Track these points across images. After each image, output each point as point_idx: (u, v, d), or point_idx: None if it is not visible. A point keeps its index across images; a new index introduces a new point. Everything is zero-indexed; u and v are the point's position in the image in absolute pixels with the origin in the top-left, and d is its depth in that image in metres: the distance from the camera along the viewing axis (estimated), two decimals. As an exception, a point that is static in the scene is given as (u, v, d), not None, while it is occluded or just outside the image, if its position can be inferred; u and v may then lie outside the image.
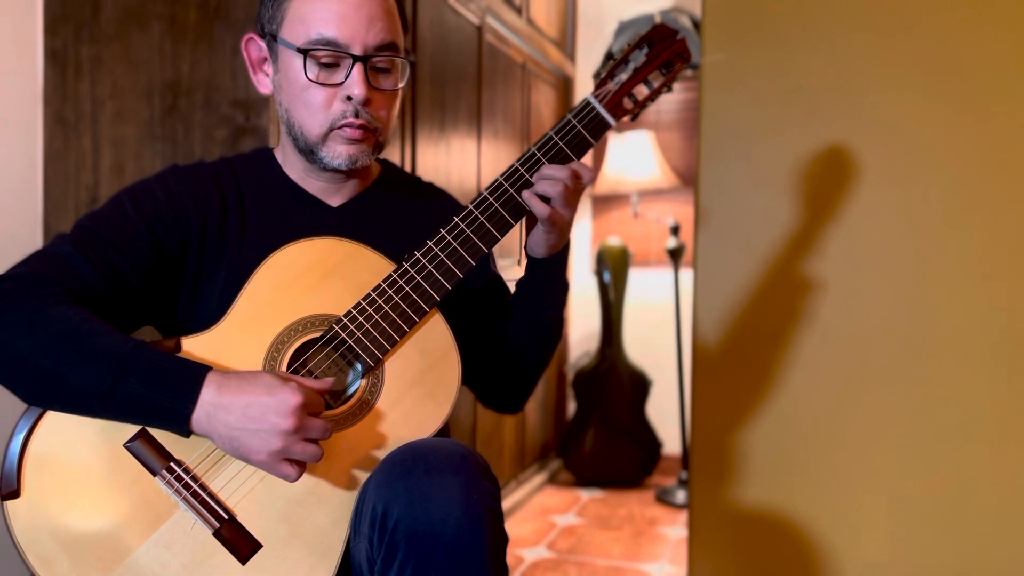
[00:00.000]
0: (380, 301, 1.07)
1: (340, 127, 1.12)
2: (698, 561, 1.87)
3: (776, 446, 1.80)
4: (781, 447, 1.80)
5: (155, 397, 0.97)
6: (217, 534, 1.00)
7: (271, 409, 0.96)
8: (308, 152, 1.15)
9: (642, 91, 1.19)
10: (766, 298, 1.80)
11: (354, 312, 1.07)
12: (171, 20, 1.84)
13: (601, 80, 1.18)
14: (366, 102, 1.11)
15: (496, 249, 1.18)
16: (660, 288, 3.53)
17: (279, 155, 1.23)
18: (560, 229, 1.14)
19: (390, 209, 1.24)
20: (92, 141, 1.90)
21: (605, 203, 3.67)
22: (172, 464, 1.00)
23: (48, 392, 0.99)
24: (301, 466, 0.99)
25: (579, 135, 1.14)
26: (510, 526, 2.84)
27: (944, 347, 1.70)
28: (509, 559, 1.03)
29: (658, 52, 1.19)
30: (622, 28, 3.54)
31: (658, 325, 3.50)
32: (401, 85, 1.16)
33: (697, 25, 3.31)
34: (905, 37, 1.71)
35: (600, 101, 1.16)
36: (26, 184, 1.90)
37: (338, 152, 1.13)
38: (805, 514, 1.79)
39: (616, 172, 3.42)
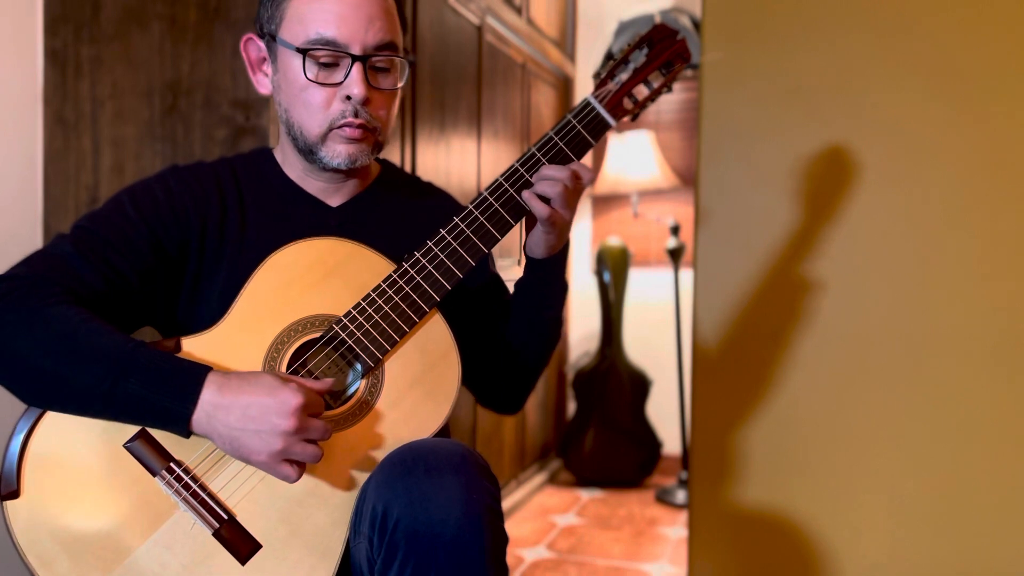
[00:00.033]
0: (380, 301, 1.07)
1: (339, 127, 1.12)
2: (698, 561, 1.87)
3: (776, 446, 1.80)
4: (781, 447, 1.80)
5: (155, 398, 0.97)
6: (217, 534, 1.00)
7: (272, 410, 0.96)
8: (307, 152, 1.15)
9: (642, 91, 1.19)
10: (766, 298, 1.80)
11: (354, 312, 1.07)
12: (171, 20, 1.84)
13: (601, 80, 1.18)
14: (365, 102, 1.11)
15: (496, 249, 1.18)
16: (660, 288, 3.53)
17: (278, 155, 1.23)
18: (560, 229, 1.14)
19: (390, 209, 1.24)
20: (92, 141, 1.90)
21: (605, 203, 3.67)
22: (172, 464, 1.00)
23: (48, 392, 0.99)
24: (301, 467, 0.99)
25: (579, 135, 1.14)
26: (510, 526, 2.84)
27: (944, 347, 1.70)
28: (509, 559, 1.03)
29: (658, 52, 1.19)
30: (622, 28, 3.54)
31: (658, 325, 3.50)
32: (400, 85, 1.16)
33: (697, 25, 3.31)
34: (905, 37, 1.71)
35: (600, 101, 1.16)
36: (26, 184, 1.90)
37: (338, 152, 1.13)
38: (805, 514, 1.79)
39: (616, 172, 3.42)
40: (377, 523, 0.95)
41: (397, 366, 1.07)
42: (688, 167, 3.51)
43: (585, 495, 3.31)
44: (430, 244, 1.10)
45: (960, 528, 1.69)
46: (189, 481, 1.00)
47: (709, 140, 1.84)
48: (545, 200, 1.11)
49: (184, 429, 0.98)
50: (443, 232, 1.10)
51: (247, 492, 1.01)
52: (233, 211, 1.17)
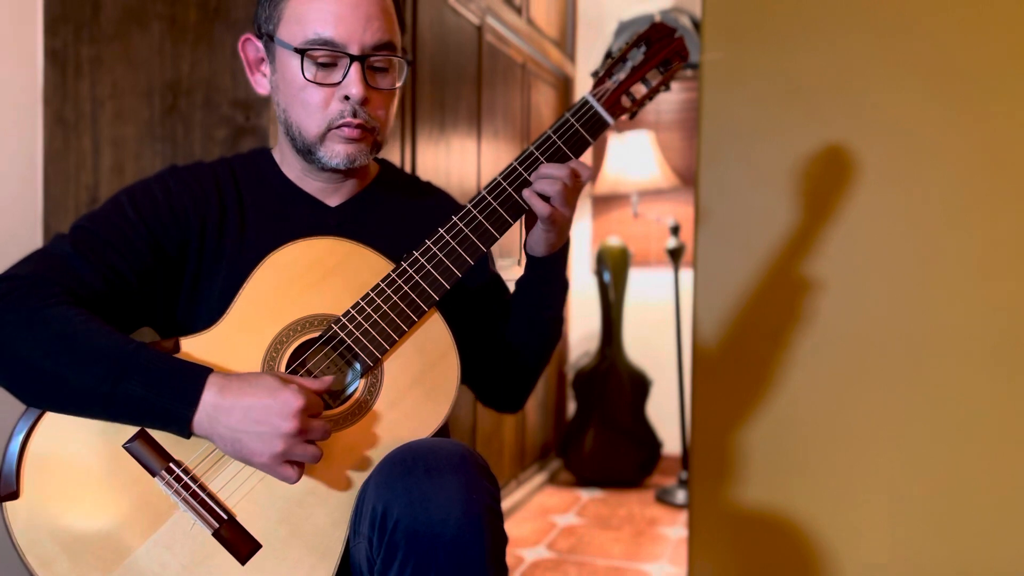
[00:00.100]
0: (379, 301, 1.07)
1: (338, 127, 1.12)
2: (698, 561, 1.87)
3: (776, 446, 1.80)
4: (781, 447, 1.80)
5: (156, 399, 0.97)
6: (216, 534, 1.00)
7: (273, 411, 0.96)
8: (306, 152, 1.15)
9: (640, 90, 1.19)
10: (766, 298, 1.80)
11: (353, 312, 1.06)
12: (171, 20, 1.84)
13: (599, 79, 1.18)
14: (364, 101, 1.11)
15: (496, 249, 1.18)
16: (660, 288, 3.53)
17: (277, 155, 1.23)
18: (560, 227, 1.15)
19: (389, 209, 1.24)
20: (92, 141, 1.90)
21: (605, 203, 3.67)
22: (171, 464, 1.00)
23: (48, 393, 0.98)
24: (301, 467, 0.99)
25: (577, 134, 1.14)
26: (510, 526, 2.84)
27: (944, 347, 1.70)
28: (509, 559, 1.03)
29: (656, 51, 1.19)
30: (622, 28, 3.54)
31: (658, 325, 3.50)
32: (399, 84, 1.16)
33: (697, 25, 3.31)
34: (905, 37, 1.71)
35: (598, 100, 1.16)
36: (26, 184, 1.90)
37: (336, 152, 1.13)
38: (805, 514, 1.79)
39: (616, 172, 3.42)
40: (377, 523, 0.95)
41: (396, 366, 1.07)
42: (688, 167, 3.50)
43: (585, 495, 3.31)
44: (429, 243, 1.10)
45: (960, 528, 1.69)
46: (189, 481, 1.00)
47: (709, 140, 1.84)
48: (545, 198, 1.11)
49: (185, 430, 0.98)
50: (442, 231, 1.10)
51: (247, 492, 1.01)
52: (232, 211, 1.17)
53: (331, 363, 1.08)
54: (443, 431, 1.12)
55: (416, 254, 1.09)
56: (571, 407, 3.69)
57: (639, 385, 3.40)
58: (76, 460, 1.00)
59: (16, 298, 1.00)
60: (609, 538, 2.80)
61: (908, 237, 1.72)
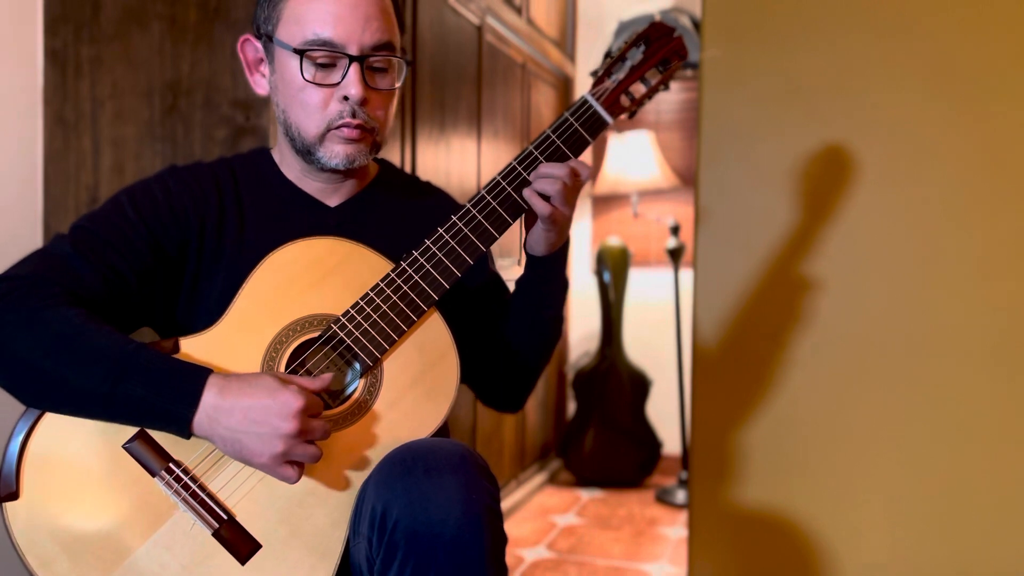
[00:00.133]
0: (378, 301, 1.07)
1: (337, 127, 1.12)
2: (698, 561, 1.87)
3: (776, 446, 1.80)
4: (781, 447, 1.80)
5: (156, 400, 0.97)
6: (216, 534, 1.00)
7: (273, 412, 0.96)
8: (305, 152, 1.15)
9: (639, 89, 1.19)
10: (766, 298, 1.80)
11: (352, 312, 1.06)
12: (171, 20, 1.84)
13: (598, 78, 1.18)
14: (363, 102, 1.11)
15: (495, 248, 1.18)
16: (660, 288, 3.53)
17: (276, 155, 1.23)
18: (560, 226, 1.15)
19: (388, 209, 1.24)
20: (92, 141, 1.90)
21: (605, 203, 3.67)
22: (171, 465, 1.00)
23: (47, 393, 0.98)
24: (301, 467, 0.99)
25: (576, 133, 1.15)
26: (510, 526, 2.84)
27: (944, 347, 1.70)
28: (509, 559, 1.03)
29: (655, 50, 1.19)
30: (622, 28, 3.54)
31: (658, 325, 3.50)
32: (398, 85, 1.16)
33: (697, 25, 3.31)
34: (905, 37, 1.71)
35: (597, 99, 1.16)
36: (26, 184, 1.90)
37: (335, 152, 1.13)
38: (805, 514, 1.79)
39: (616, 172, 3.41)
40: (376, 523, 0.95)
41: (396, 365, 1.07)
42: (688, 167, 3.50)
43: (585, 495, 3.31)
44: (428, 243, 1.10)
45: (960, 528, 1.69)
46: (188, 481, 1.00)
47: (709, 140, 1.84)
48: (545, 198, 1.11)
49: (185, 431, 0.98)
50: (441, 231, 1.10)
51: (247, 492, 1.01)
52: (232, 211, 1.17)
53: (331, 363, 1.08)
54: (443, 431, 1.12)
55: (415, 254, 1.09)
56: (571, 407, 3.69)
57: (639, 385, 3.40)
58: (76, 460, 1.00)
59: (16, 298, 1.00)
60: (609, 538, 2.80)
61: (908, 237, 1.72)
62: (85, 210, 1.89)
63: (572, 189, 1.11)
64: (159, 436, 1.01)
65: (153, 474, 1.00)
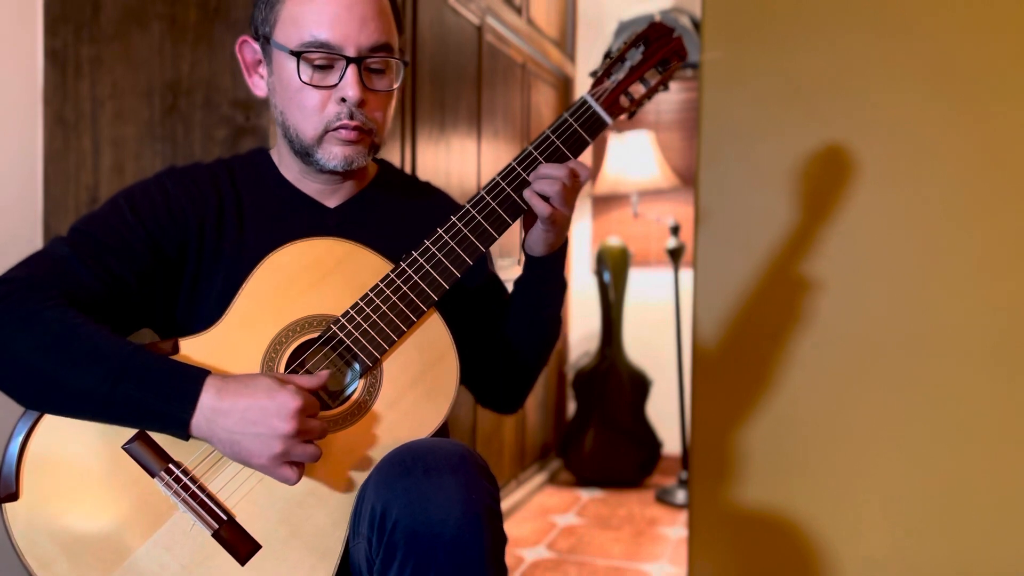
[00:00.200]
0: (378, 301, 1.07)
1: (335, 129, 1.12)
2: (698, 561, 1.87)
3: (776, 446, 1.80)
4: (781, 447, 1.80)
5: (154, 401, 0.97)
6: (216, 535, 1.00)
7: (271, 412, 0.96)
8: (304, 154, 1.15)
9: (639, 89, 1.19)
10: (766, 298, 1.80)
11: (352, 312, 1.06)
12: (171, 20, 1.84)
13: (598, 79, 1.18)
14: (361, 103, 1.11)
15: (495, 249, 1.18)
16: (660, 288, 3.53)
17: (275, 156, 1.23)
18: (560, 227, 1.15)
19: (388, 209, 1.24)
20: (92, 141, 1.90)
21: (605, 203, 3.67)
22: (171, 465, 1.00)
23: (46, 395, 0.98)
24: (300, 468, 0.99)
25: (576, 134, 1.15)
26: (510, 526, 2.84)
27: (944, 347, 1.70)
28: (509, 559, 1.03)
29: (654, 50, 1.19)
30: (622, 28, 3.54)
31: (658, 325, 3.50)
32: (396, 86, 1.16)
33: (697, 25, 3.31)
34: (905, 37, 1.71)
35: (596, 99, 1.16)
36: (26, 184, 1.90)
37: (334, 154, 1.13)
38: (805, 514, 1.79)
39: (616, 172, 3.41)
40: (376, 523, 0.95)
41: (395, 366, 1.07)
42: (688, 167, 3.50)
43: (585, 495, 3.31)
44: (428, 244, 1.10)
45: (959, 528, 1.69)
46: (188, 482, 1.00)
47: (709, 140, 1.84)
48: (544, 198, 1.11)
49: (183, 433, 0.98)
50: (440, 232, 1.10)
51: (246, 493, 1.01)
52: (230, 212, 1.17)
53: (330, 363, 1.08)
54: (442, 431, 1.12)
55: (415, 254, 1.09)
56: (571, 407, 3.69)
57: (639, 385, 3.40)
58: (76, 461, 1.00)
59: (14, 300, 1.00)
60: (609, 538, 2.80)
61: (908, 237, 1.72)
62: (85, 210, 1.89)
63: (571, 190, 1.11)
64: (159, 437, 1.01)
65: (153, 475, 1.00)
